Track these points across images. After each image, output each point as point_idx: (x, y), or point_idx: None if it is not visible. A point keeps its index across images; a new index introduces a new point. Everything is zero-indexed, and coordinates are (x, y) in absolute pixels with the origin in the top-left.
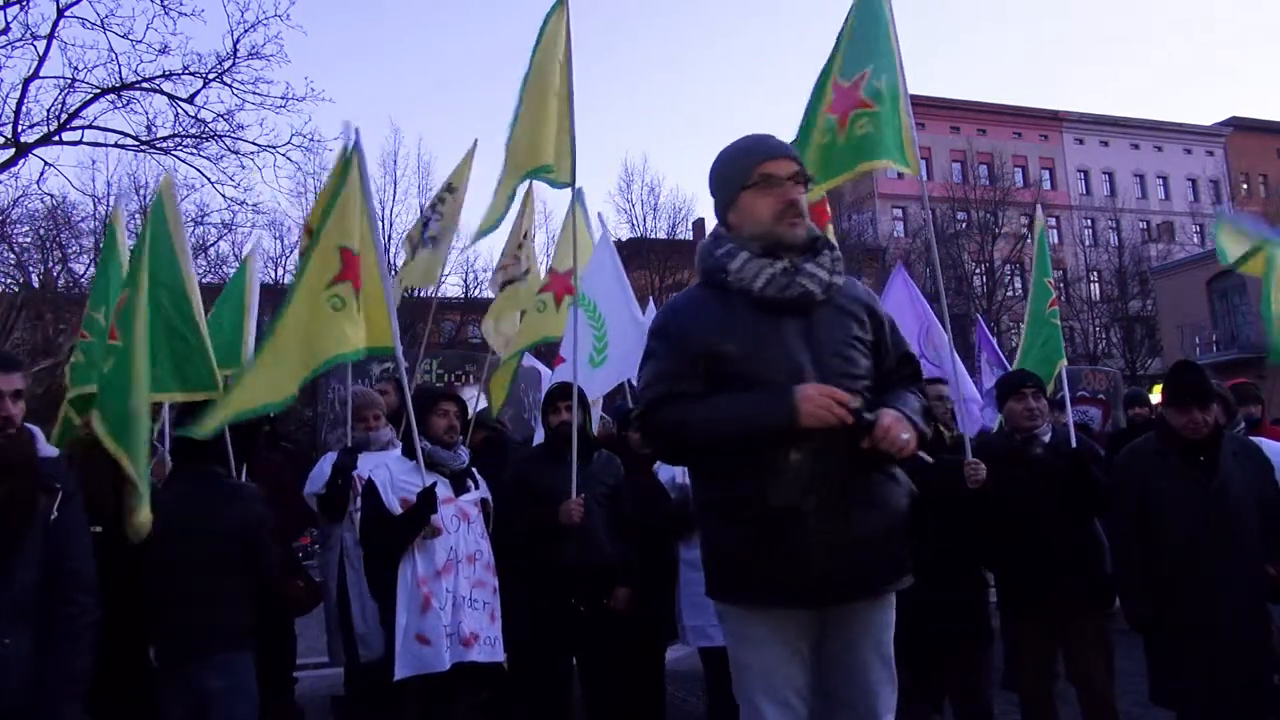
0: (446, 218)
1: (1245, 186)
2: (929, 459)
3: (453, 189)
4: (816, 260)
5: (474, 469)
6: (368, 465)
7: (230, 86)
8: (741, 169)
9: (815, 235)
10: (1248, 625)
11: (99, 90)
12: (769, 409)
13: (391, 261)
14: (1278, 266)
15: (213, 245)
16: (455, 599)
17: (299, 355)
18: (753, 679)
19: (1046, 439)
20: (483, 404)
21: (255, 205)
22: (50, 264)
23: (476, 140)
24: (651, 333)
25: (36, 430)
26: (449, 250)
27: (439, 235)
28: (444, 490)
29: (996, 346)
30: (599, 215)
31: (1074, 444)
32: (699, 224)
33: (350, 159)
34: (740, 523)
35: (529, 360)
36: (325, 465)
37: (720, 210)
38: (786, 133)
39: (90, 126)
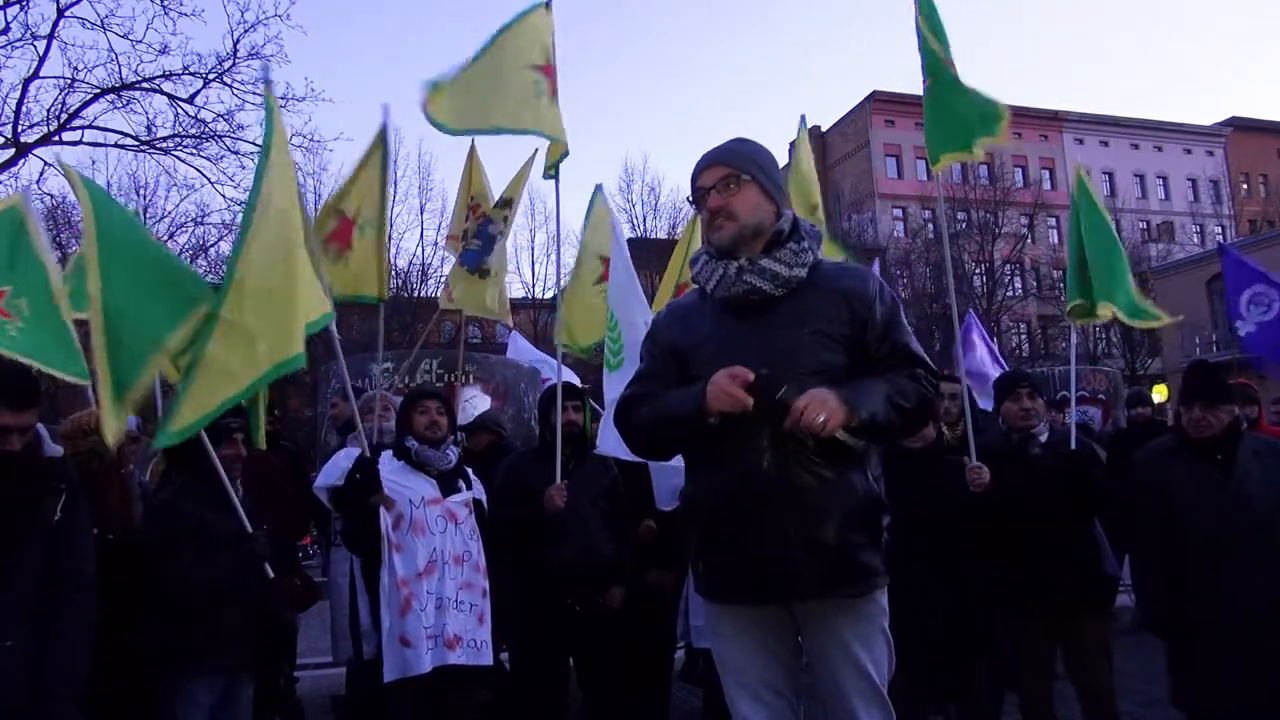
0: (502, 239)
1: (1245, 186)
2: (851, 441)
3: (509, 203)
4: (774, 255)
5: (468, 469)
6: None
7: (230, 86)
8: (693, 194)
9: (780, 229)
10: (1269, 627)
11: (99, 90)
12: (686, 397)
13: (392, 261)
14: None
15: (213, 246)
16: (439, 600)
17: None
18: (727, 673)
19: (1044, 439)
20: (485, 406)
21: None
22: None
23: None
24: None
25: (42, 430)
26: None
27: (496, 266)
28: (430, 490)
29: (990, 342)
30: (611, 211)
31: (1074, 445)
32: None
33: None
34: (695, 519)
35: (531, 360)
36: (342, 460)
37: None
38: (781, 133)
39: (90, 126)
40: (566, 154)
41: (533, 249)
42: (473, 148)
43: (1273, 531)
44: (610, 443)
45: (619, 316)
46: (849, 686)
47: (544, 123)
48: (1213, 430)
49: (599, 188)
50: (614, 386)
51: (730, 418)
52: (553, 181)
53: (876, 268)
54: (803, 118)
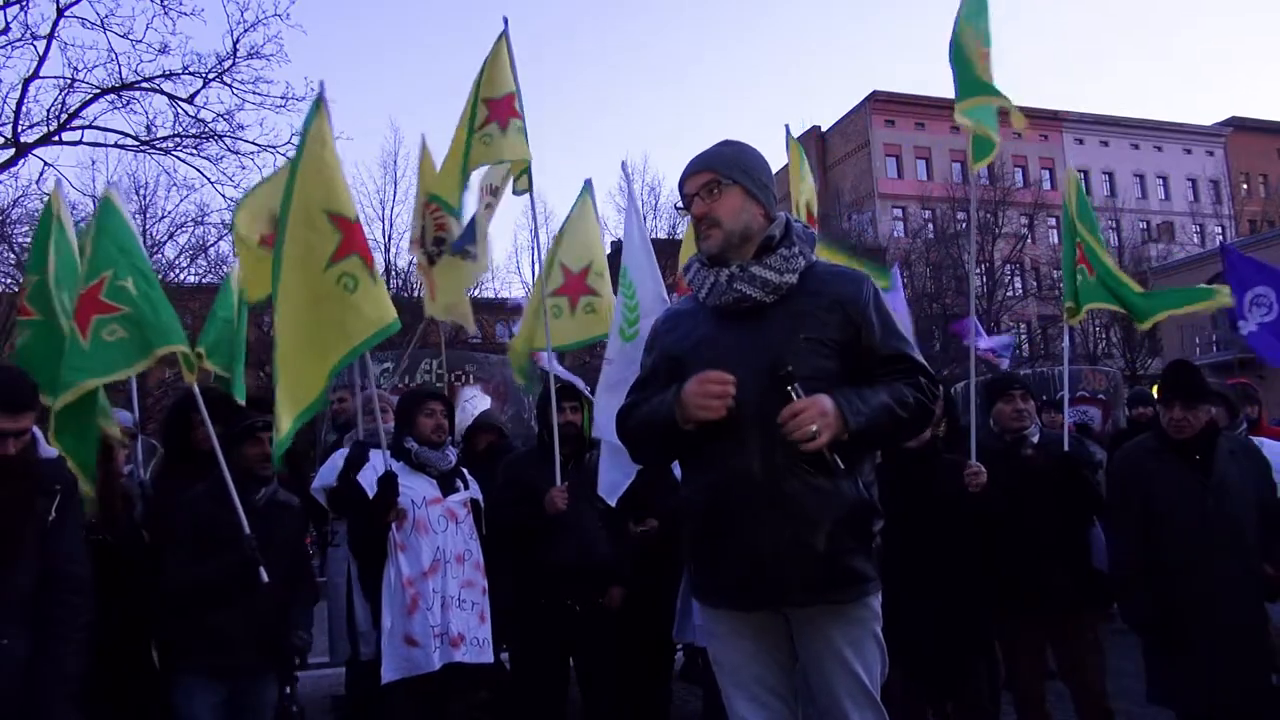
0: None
1: (1245, 186)
2: (832, 461)
3: (495, 191)
4: (764, 262)
5: (464, 469)
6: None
7: (230, 86)
8: (682, 201)
9: (771, 235)
10: (1246, 625)
11: (99, 90)
12: (662, 405)
13: (393, 262)
14: None
15: (213, 245)
16: (444, 599)
17: (316, 351)
18: (723, 674)
19: (1035, 439)
20: (485, 405)
21: None
22: None
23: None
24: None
25: (36, 431)
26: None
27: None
28: (431, 490)
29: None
30: (620, 183)
31: (1066, 447)
32: None
33: (316, 113)
34: (687, 522)
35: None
36: (339, 460)
37: None
38: (780, 132)
39: (90, 126)
40: (527, 171)
41: (533, 249)
42: (424, 146)
43: (1249, 529)
44: (606, 428)
45: (638, 286)
46: (841, 690)
47: (497, 153)
48: (1192, 430)
49: (587, 184)
50: (627, 357)
51: (718, 422)
52: (550, 187)
53: (897, 271)
54: (787, 128)
